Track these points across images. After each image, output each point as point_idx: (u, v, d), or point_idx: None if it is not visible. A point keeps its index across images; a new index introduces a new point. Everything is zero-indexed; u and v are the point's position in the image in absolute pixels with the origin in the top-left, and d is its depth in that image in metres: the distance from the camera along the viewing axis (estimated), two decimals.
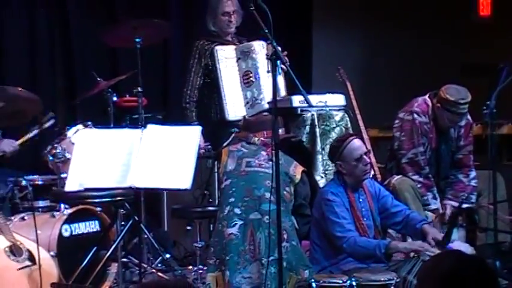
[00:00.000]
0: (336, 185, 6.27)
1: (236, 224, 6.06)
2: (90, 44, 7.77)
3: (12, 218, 6.54)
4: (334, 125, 7.11)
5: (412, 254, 6.13)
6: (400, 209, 6.37)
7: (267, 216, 5.93)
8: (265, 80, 6.98)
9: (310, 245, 6.34)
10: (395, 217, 6.32)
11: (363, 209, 6.22)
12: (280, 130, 6.40)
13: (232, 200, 6.13)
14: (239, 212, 6.08)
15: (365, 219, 6.21)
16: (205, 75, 7.22)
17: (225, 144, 6.94)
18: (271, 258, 5.85)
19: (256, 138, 6.29)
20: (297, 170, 6.25)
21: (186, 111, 7.29)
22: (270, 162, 5.67)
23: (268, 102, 6.84)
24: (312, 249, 6.31)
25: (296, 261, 5.99)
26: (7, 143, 6.80)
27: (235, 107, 7.07)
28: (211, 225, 6.73)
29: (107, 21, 8.13)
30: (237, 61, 7.10)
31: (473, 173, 7.29)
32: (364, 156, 6.18)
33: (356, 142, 6.19)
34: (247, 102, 7.11)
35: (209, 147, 7.13)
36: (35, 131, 6.92)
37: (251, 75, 7.06)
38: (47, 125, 6.57)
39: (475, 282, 2.90)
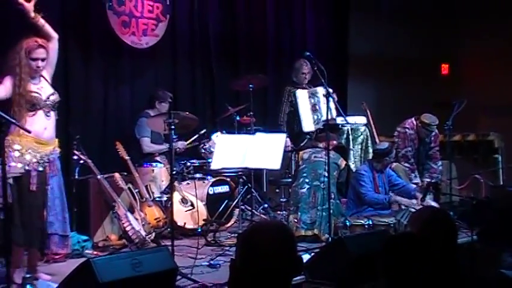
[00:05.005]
0: (366, 166, 6.40)
1: (305, 187, 6.14)
2: (225, 87, 7.75)
3: (182, 183, 6.66)
4: (360, 134, 7.05)
5: (402, 206, 6.18)
6: (400, 182, 6.48)
7: (323, 184, 5.99)
8: (324, 109, 6.92)
9: (348, 199, 6.40)
10: (396, 186, 6.43)
11: (380, 182, 6.25)
12: (334, 142, 6.45)
13: (304, 174, 6.22)
14: (307, 181, 6.16)
15: (380, 188, 6.27)
16: (291, 107, 7.14)
17: (301, 144, 6.97)
18: (324, 207, 5.90)
19: (320, 144, 6.30)
20: (342, 162, 6.28)
21: (280, 127, 7.15)
22: (326, 156, 5.70)
23: (323, 121, 6.78)
24: (348, 202, 6.40)
25: (337, 211, 6.03)
26: (180, 143, 6.87)
27: (308, 124, 6.97)
28: (290, 190, 6.71)
29: (233, 74, 8.10)
30: (309, 98, 7.02)
31: (439, 163, 7.23)
32: None
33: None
34: (314, 121, 6.99)
35: (292, 145, 7.09)
36: (195, 137, 7.03)
37: (316, 106, 6.98)
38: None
39: (443, 222, 2.90)
